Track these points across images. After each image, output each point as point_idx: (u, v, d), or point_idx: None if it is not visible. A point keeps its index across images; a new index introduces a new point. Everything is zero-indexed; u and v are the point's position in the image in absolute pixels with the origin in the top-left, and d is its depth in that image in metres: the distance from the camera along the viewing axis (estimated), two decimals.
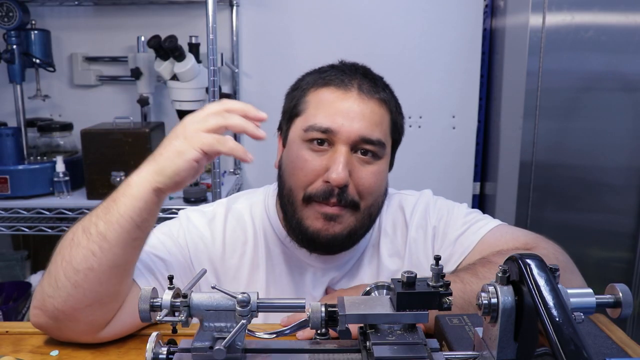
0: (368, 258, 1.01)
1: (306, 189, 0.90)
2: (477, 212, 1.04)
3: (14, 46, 1.84)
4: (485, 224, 0.99)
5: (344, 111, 0.89)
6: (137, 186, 0.76)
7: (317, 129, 0.89)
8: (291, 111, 0.96)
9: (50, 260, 0.82)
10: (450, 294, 0.59)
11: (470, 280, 0.82)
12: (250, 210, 1.03)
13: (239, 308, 0.59)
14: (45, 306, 0.78)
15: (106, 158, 1.79)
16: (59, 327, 0.80)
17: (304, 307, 0.61)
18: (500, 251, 0.90)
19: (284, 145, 0.99)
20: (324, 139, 0.90)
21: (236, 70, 2.17)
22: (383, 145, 0.92)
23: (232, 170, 2.27)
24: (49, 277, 0.79)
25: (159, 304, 0.60)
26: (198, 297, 0.61)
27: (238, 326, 0.59)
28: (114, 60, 2.19)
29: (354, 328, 0.63)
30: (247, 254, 0.99)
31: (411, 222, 1.02)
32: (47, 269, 0.82)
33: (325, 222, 0.90)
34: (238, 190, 2.12)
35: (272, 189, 1.04)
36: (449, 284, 0.60)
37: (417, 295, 0.59)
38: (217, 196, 1.81)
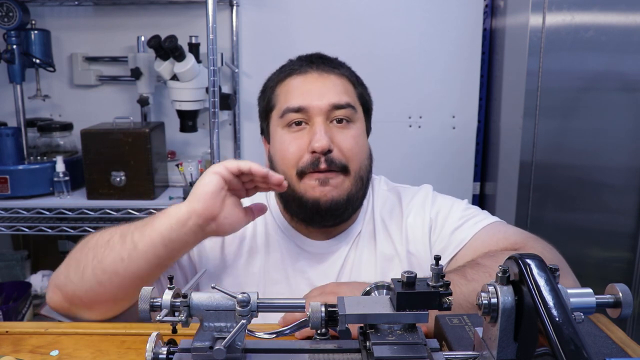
0: (364, 243, 1.04)
1: (297, 166, 0.96)
2: (475, 208, 1.06)
3: (14, 46, 1.84)
4: (481, 220, 1.00)
5: (310, 89, 0.99)
6: (174, 208, 0.86)
7: (291, 110, 0.97)
8: (266, 109, 1.05)
9: (78, 247, 0.90)
10: (450, 294, 0.59)
11: (460, 282, 0.83)
12: (252, 202, 1.07)
13: (239, 308, 0.59)
14: (66, 289, 0.87)
15: (106, 158, 1.79)
16: (71, 310, 0.89)
17: (303, 307, 0.61)
18: (488, 253, 0.91)
19: (269, 142, 1.06)
20: (301, 120, 0.98)
21: (236, 70, 2.17)
22: (353, 108, 1.00)
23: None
24: (76, 265, 0.87)
25: (159, 304, 0.60)
26: (198, 297, 0.61)
27: (238, 326, 0.59)
28: (114, 60, 2.18)
29: (354, 328, 0.63)
30: (245, 242, 1.04)
31: (408, 210, 1.05)
32: (73, 254, 0.90)
33: (321, 188, 0.96)
34: None
35: None
36: (449, 284, 0.60)
37: (417, 295, 0.59)
38: None
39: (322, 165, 0.94)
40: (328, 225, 1.01)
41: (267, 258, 1.03)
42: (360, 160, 0.99)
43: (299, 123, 0.98)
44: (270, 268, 1.03)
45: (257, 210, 0.92)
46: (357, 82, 1.05)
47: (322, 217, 0.98)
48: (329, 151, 0.94)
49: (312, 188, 0.96)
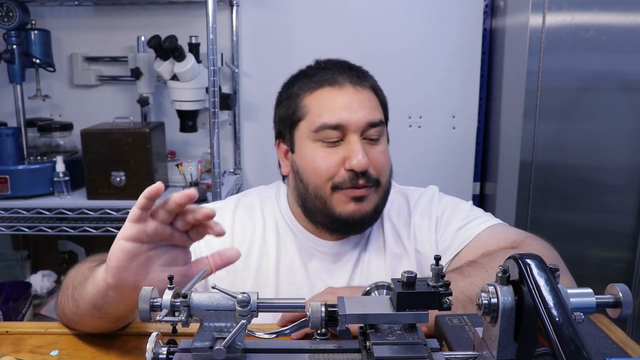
0: (373, 244, 1.05)
1: (331, 180, 0.96)
2: (479, 210, 1.07)
3: (14, 46, 1.83)
4: (485, 221, 1.02)
5: (346, 105, 0.96)
6: (98, 273, 0.73)
7: (329, 126, 0.96)
8: (291, 118, 1.01)
9: (64, 281, 0.88)
10: (450, 294, 0.59)
11: (456, 278, 0.84)
12: (262, 202, 1.09)
13: (239, 308, 0.59)
14: (59, 320, 0.88)
15: (106, 158, 1.79)
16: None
17: (303, 307, 0.61)
18: (486, 252, 0.93)
19: (292, 151, 1.03)
20: (337, 136, 0.96)
21: (236, 70, 2.17)
22: (384, 124, 1.02)
23: (232, 170, 2.27)
24: (57, 302, 0.87)
25: (159, 304, 0.60)
26: (198, 297, 0.61)
27: (238, 326, 0.59)
28: (114, 60, 2.19)
29: (354, 328, 0.63)
30: (255, 242, 1.04)
31: (415, 210, 1.07)
32: (60, 290, 0.88)
33: (356, 205, 0.96)
34: (238, 190, 2.12)
35: (282, 185, 1.10)
36: (449, 284, 0.60)
37: (417, 295, 0.59)
38: (217, 196, 1.81)
39: (361, 182, 0.95)
40: (354, 234, 1.03)
41: (279, 259, 1.03)
42: (387, 175, 1.01)
43: (335, 139, 0.97)
44: (282, 269, 1.03)
45: (219, 263, 0.73)
46: (380, 92, 1.04)
47: (352, 228, 1.00)
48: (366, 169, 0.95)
49: (345, 204, 0.96)
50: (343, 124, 0.95)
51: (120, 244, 0.68)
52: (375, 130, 0.98)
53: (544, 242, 0.95)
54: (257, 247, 1.03)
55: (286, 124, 1.03)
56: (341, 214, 0.97)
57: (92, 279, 0.75)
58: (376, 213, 1.00)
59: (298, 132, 1.00)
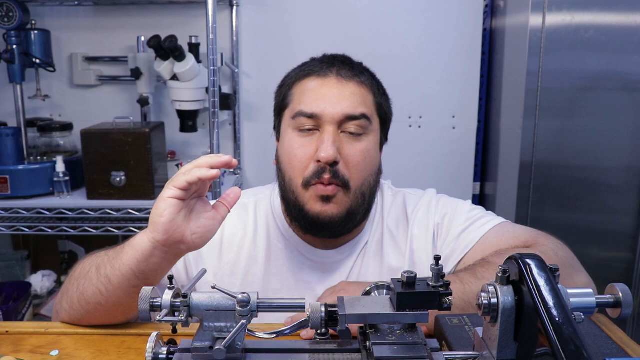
0: (370, 254, 1.02)
1: (303, 175, 0.94)
2: (480, 209, 1.04)
3: (14, 46, 1.83)
4: (488, 221, 0.99)
5: (325, 95, 0.95)
6: (138, 238, 0.80)
7: (303, 114, 0.94)
8: (280, 106, 1.02)
9: (69, 274, 0.90)
10: (450, 294, 0.59)
11: (470, 281, 0.82)
12: (256, 205, 1.06)
13: (239, 308, 0.59)
14: (62, 316, 0.89)
15: (106, 158, 1.79)
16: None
17: (304, 307, 0.61)
18: (499, 251, 0.90)
19: (278, 140, 1.03)
20: (312, 127, 0.94)
21: (236, 70, 2.17)
22: (368, 119, 0.96)
23: (232, 170, 2.27)
24: (66, 294, 0.88)
25: (159, 304, 0.60)
26: (198, 297, 0.61)
27: (238, 326, 0.59)
28: (114, 60, 2.18)
29: (354, 328, 0.63)
30: (244, 248, 1.02)
31: (413, 219, 1.03)
32: (65, 283, 0.90)
33: (323, 204, 0.93)
34: None
35: (277, 185, 1.07)
36: (449, 284, 0.60)
37: (417, 295, 0.59)
38: (217, 196, 1.81)
39: (326, 176, 0.91)
40: (326, 237, 0.99)
41: (268, 266, 1.01)
42: (364, 177, 0.95)
43: (309, 128, 0.95)
44: (271, 276, 1.00)
45: (230, 201, 0.82)
46: (377, 92, 1.00)
47: (319, 230, 0.96)
48: (335, 163, 0.92)
49: (314, 201, 0.93)
50: (318, 113, 0.93)
51: (169, 202, 0.76)
52: (355, 124, 0.94)
53: (557, 241, 0.92)
54: (246, 253, 1.01)
55: (276, 112, 1.04)
56: (309, 212, 0.94)
57: (129, 248, 0.79)
58: (349, 218, 0.95)
59: (283, 121, 1.00)
